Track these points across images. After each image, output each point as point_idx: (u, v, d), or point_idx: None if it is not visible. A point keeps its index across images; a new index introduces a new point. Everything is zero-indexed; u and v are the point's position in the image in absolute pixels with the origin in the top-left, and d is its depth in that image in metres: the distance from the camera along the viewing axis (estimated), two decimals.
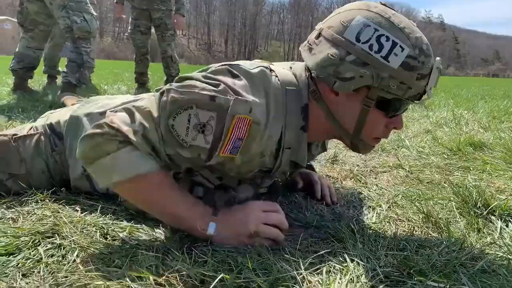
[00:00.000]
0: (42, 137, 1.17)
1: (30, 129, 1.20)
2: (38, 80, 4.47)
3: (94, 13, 3.35)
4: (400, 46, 0.84)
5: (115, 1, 4.58)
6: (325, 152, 1.30)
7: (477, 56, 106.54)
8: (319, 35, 0.92)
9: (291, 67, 1.00)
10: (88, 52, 3.23)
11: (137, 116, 0.85)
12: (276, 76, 0.93)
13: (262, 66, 0.94)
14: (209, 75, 0.89)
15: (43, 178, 1.17)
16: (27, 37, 3.56)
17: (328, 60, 0.87)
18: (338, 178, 1.48)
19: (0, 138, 1.16)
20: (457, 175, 1.53)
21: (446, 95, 5.62)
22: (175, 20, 4.47)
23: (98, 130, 0.83)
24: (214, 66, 0.94)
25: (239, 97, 0.83)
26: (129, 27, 4.54)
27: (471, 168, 1.63)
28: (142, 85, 4.79)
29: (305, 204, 1.15)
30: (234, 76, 0.89)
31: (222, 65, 0.93)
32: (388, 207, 1.16)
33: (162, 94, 0.86)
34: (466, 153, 1.87)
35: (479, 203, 1.10)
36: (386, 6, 0.90)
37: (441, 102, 4.33)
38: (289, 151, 0.97)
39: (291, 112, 0.93)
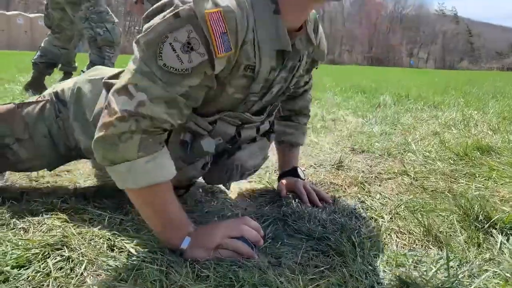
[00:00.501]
0: (47, 104, 1.21)
1: (38, 98, 1.25)
2: (49, 78, 4.53)
3: (116, 20, 3.42)
4: None
5: (134, 0, 4.62)
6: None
7: (492, 49, 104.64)
8: None
9: None
10: (110, 57, 3.33)
11: (131, 87, 0.83)
12: None
13: None
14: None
15: (45, 143, 1.20)
16: (54, 37, 3.68)
17: None
18: (342, 185, 1.49)
19: (7, 106, 1.22)
20: (461, 182, 1.54)
21: (457, 93, 5.56)
22: None
23: (110, 132, 0.82)
24: None
25: None
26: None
27: (477, 175, 1.63)
28: None
29: (308, 214, 1.17)
30: None
31: None
32: (390, 218, 1.17)
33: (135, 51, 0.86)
34: (473, 158, 1.87)
35: (480, 216, 1.10)
36: None
37: (451, 101, 4.29)
38: (267, 46, 0.93)
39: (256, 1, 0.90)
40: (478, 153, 1.96)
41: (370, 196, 1.37)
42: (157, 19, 0.84)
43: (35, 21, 22.69)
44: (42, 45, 3.73)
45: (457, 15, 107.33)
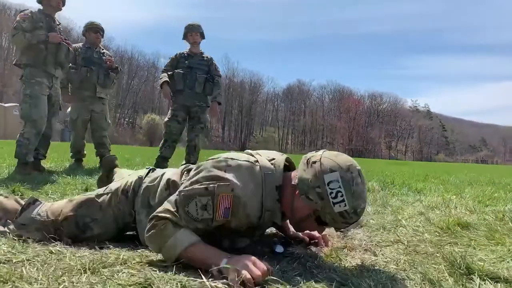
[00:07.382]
0: (113, 196, 1.76)
1: (106, 189, 1.80)
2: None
3: None
4: (345, 204, 1.39)
5: (159, 85, 5.25)
6: None
7: (465, 142, 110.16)
8: (315, 162, 1.45)
9: (274, 158, 1.57)
10: None
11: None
12: (258, 165, 1.50)
13: (249, 161, 1.49)
14: (207, 174, 1.44)
15: (110, 220, 1.73)
16: None
17: (307, 182, 1.44)
18: (350, 249, 1.80)
19: (90, 197, 1.74)
20: (447, 248, 1.86)
21: (436, 181, 6.05)
22: (212, 107, 5.15)
23: (153, 230, 1.41)
24: (221, 157, 1.51)
25: (221, 183, 1.38)
26: (167, 116, 5.11)
27: (459, 243, 1.96)
28: None
29: (329, 267, 1.46)
30: (228, 166, 1.45)
31: (224, 158, 1.50)
32: (394, 269, 1.48)
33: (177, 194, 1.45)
34: (455, 231, 2.21)
35: (463, 265, 1.42)
36: (359, 172, 1.44)
37: (432, 187, 4.73)
38: (269, 213, 1.50)
39: (268, 189, 1.48)
40: (459, 228, 2.31)
41: (376, 255, 1.68)
42: (197, 184, 1.42)
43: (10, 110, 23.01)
44: None
45: (430, 111, 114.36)
